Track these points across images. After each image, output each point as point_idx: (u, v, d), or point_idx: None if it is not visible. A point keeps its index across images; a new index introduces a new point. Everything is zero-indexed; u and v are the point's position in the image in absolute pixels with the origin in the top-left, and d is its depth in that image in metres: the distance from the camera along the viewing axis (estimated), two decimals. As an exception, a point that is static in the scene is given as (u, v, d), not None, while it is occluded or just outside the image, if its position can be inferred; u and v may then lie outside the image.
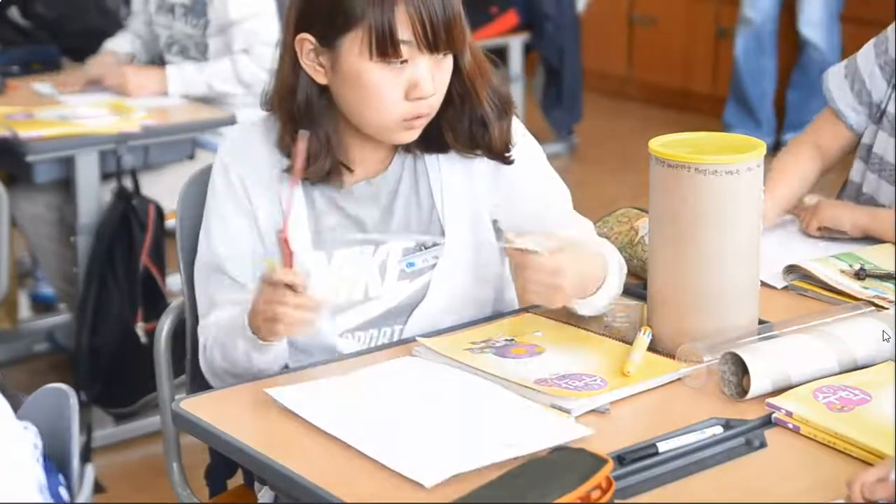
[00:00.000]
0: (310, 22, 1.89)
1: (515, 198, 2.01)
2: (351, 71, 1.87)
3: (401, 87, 1.87)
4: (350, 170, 1.96)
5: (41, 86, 3.75)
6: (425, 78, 1.87)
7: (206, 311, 1.99)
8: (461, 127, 1.96)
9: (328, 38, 1.87)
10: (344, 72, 1.88)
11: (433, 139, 1.97)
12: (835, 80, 2.51)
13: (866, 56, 2.47)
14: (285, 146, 1.94)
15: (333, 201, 1.98)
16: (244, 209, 1.96)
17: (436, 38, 1.85)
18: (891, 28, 2.44)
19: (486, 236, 2.02)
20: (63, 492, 1.55)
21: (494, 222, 2.03)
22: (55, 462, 1.57)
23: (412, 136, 1.93)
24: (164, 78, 3.64)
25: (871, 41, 2.48)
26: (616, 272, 1.96)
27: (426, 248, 2.00)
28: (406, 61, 1.85)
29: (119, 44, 3.89)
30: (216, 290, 1.97)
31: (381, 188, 1.99)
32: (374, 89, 1.87)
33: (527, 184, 2.02)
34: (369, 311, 1.99)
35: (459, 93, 1.94)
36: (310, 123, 1.91)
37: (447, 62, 1.90)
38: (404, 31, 1.84)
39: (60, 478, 1.55)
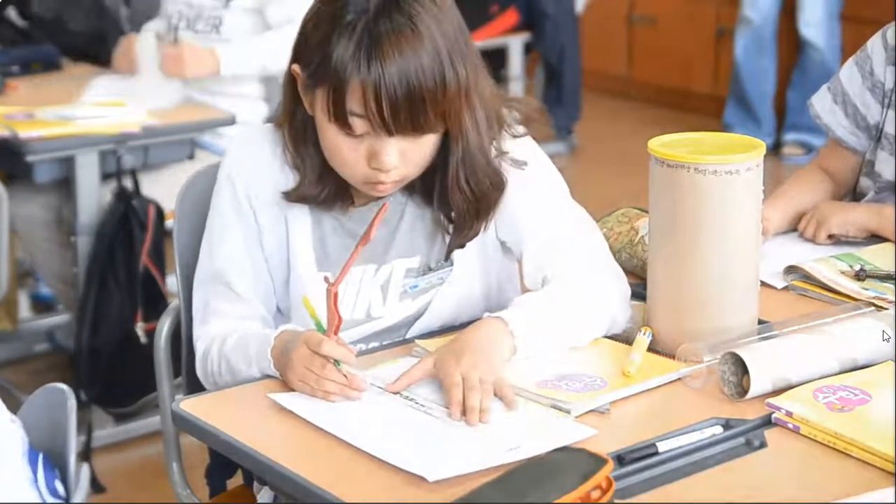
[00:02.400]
0: (299, 57, 1.85)
1: (518, 224, 1.96)
2: (319, 122, 1.84)
3: (361, 153, 1.81)
4: (351, 197, 1.94)
5: (99, 80, 3.72)
6: (386, 152, 1.80)
7: (203, 317, 1.97)
8: (434, 201, 1.91)
9: (308, 82, 1.83)
10: (317, 119, 1.85)
11: (424, 194, 1.93)
12: (824, 106, 2.46)
13: (851, 79, 2.42)
14: (294, 167, 1.92)
15: (341, 223, 1.96)
16: (249, 224, 1.94)
17: (395, 121, 1.76)
18: (870, 44, 2.41)
19: (492, 255, 2.00)
20: (59, 486, 1.55)
21: (503, 243, 2.00)
22: (53, 460, 1.57)
23: (382, 194, 1.88)
24: (216, 58, 3.60)
25: (851, 61, 2.43)
26: (592, 314, 1.88)
27: (431, 270, 1.98)
28: (366, 133, 1.79)
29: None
30: (215, 301, 1.96)
31: (388, 209, 1.95)
32: (335, 150, 1.83)
33: (529, 213, 1.95)
34: (370, 328, 1.98)
35: (441, 173, 1.87)
36: (305, 147, 1.89)
37: (426, 138, 1.81)
38: (356, 106, 1.76)
39: (57, 472, 1.56)
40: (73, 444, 1.59)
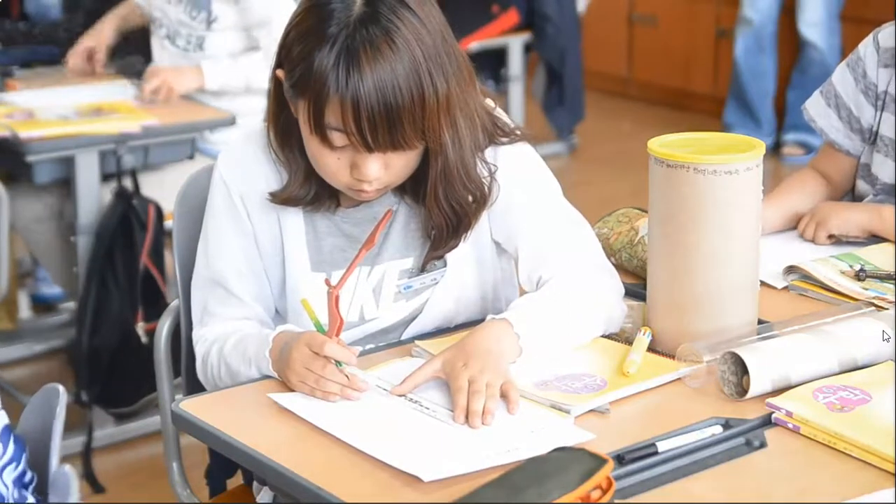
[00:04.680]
0: (283, 63, 1.84)
1: (512, 225, 1.96)
2: (303, 131, 1.83)
3: (343, 163, 1.81)
4: (338, 199, 1.94)
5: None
6: (367, 165, 1.79)
7: (201, 320, 1.98)
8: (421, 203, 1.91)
9: (291, 92, 1.82)
10: (300, 126, 1.84)
11: (416, 197, 1.92)
12: (817, 111, 2.46)
13: (844, 82, 2.42)
14: (281, 165, 1.92)
15: (334, 223, 1.96)
16: (244, 227, 1.94)
17: (373, 138, 1.75)
18: (862, 47, 2.40)
19: (487, 256, 1.99)
20: (9, 473, 1.54)
21: (498, 244, 1.99)
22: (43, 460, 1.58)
23: (367, 199, 1.88)
24: (200, 75, 3.61)
25: (843, 64, 2.43)
26: (588, 316, 1.88)
27: (425, 271, 1.97)
28: (346, 145, 1.78)
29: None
30: (214, 303, 1.96)
31: (380, 209, 1.95)
32: (318, 159, 1.83)
33: (522, 214, 1.95)
34: (364, 330, 1.97)
35: (424, 182, 1.87)
36: (290, 149, 1.89)
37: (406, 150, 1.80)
38: (335, 122, 1.76)
39: (26, 455, 1.55)
40: (58, 442, 1.60)
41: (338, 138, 1.78)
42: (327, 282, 1.78)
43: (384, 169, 1.81)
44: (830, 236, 2.31)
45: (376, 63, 1.73)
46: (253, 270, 1.96)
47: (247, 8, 3.60)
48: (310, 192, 1.91)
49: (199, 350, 1.96)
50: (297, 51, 1.79)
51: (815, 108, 2.47)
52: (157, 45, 3.76)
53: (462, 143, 1.85)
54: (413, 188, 1.92)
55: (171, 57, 3.71)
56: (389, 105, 1.74)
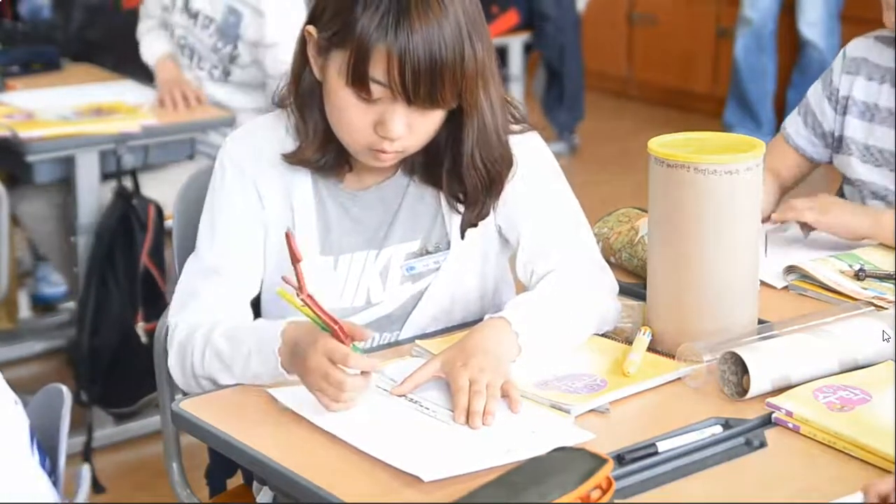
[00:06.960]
0: (316, 19, 1.87)
1: (515, 212, 1.97)
2: (330, 85, 1.84)
3: (370, 119, 1.82)
4: (350, 165, 1.94)
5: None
6: (395, 120, 1.81)
7: (184, 301, 1.92)
8: (443, 180, 1.92)
9: (324, 44, 1.84)
10: (327, 82, 1.85)
11: (428, 173, 1.94)
12: (790, 120, 2.54)
13: (814, 92, 2.52)
14: (298, 134, 1.92)
15: (343, 206, 1.96)
16: (251, 206, 1.94)
17: (414, 90, 1.77)
18: (836, 63, 2.50)
19: (490, 244, 2.00)
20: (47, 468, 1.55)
21: (500, 228, 2.01)
22: (51, 459, 1.58)
23: (382, 164, 1.88)
24: None
25: (818, 79, 2.54)
26: (582, 315, 1.89)
27: (429, 253, 1.98)
28: (379, 99, 1.80)
29: (162, 48, 3.82)
30: (201, 283, 1.92)
31: (389, 191, 1.96)
32: (344, 112, 1.84)
33: (527, 202, 1.96)
34: (368, 316, 1.97)
35: (452, 148, 1.89)
36: (310, 112, 1.90)
37: (434, 113, 1.83)
38: (378, 73, 1.78)
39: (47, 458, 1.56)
40: (65, 443, 1.60)
41: (376, 90, 1.79)
42: (287, 279, 1.70)
43: (408, 129, 1.83)
44: (805, 225, 2.30)
45: (426, 19, 1.77)
46: (251, 253, 1.94)
47: (250, 29, 3.58)
48: (324, 157, 1.91)
49: (176, 336, 1.90)
50: (338, 5, 1.81)
51: (790, 118, 2.55)
52: (184, 66, 3.75)
53: (494, 109, 1.89)
54: (425, 167, 1.93)
55: (200, 80, 3.70)
56: (434, 61, 1.77)
